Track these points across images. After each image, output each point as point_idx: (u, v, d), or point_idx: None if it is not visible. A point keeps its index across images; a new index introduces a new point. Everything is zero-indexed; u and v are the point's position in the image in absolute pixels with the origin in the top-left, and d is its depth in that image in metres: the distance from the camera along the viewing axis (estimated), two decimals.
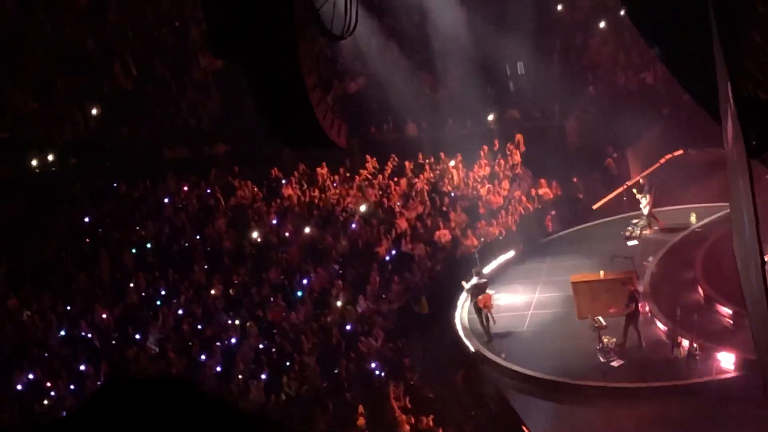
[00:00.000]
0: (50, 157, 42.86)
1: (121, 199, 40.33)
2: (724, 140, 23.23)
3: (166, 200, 39.65)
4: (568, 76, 39.72)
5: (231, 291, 34.39)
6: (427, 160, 38.61)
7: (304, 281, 34.23)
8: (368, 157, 38.63)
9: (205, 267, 35.86)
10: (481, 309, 31.47)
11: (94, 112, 43.74)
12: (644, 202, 34.66)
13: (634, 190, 34.97)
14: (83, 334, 33.78)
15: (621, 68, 39.67)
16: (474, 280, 31.84)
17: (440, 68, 40.95)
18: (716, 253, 31.21)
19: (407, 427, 27.86)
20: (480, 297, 31.50)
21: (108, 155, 42.67)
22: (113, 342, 33.19)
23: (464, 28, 39.86)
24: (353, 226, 36.30)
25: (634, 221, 35.01)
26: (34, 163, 42.88)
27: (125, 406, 1.53)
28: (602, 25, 40.42)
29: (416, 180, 37.88)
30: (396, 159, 38.89)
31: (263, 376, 30.21)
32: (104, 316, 34.26)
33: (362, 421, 28.01)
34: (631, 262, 31.85)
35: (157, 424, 1.48)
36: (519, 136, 38.55)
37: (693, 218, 34.48)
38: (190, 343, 32.14)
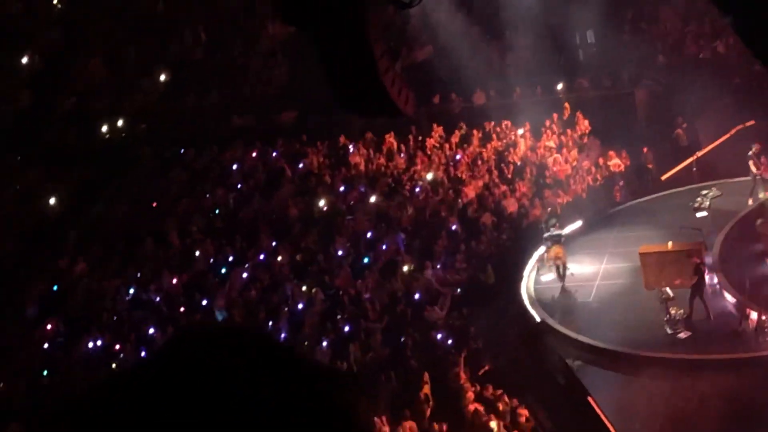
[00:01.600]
0: (120, 124, 43.04)
1: (189, 165, 40.47)
2: None
3: (233, 167, 39.74)
4: (638, 46, 39.47)
5: (298, 257, 34.42)
6: (494, 129, 38.44)
7: (371, 249, 34.20)
8: (435, 125, 38.56)
9: (272, 234, 35.92)
10: (554, 259, 31.84)
11: (162, 78, 43.87)
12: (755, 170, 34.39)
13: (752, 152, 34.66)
14: (151, 299, 33.94)
15: (692, 37, 39.37)
16: (552, 231, 32.21)
17: (509, 36, 40.87)
18: None
19: (471, 395, 27.84)
20: (553, 247, 31.87)
21: (176, 122, 42.76)
22: (180, 308, 33.32)
23: None
24: (419, 194, 36.23)
25: (704, 192, 34.68)
26: (104, 129, 43.05)
27: (199, 350, 1.48)
28: None
29: (483, 149, 37.77)
30: (464, 127, 38.78)
31: (325, 344, 30.22)
32: (173, 281, 34.40)
33: (427, 389, 28.00)
34: (700, 233, 31.70)
35: (233, 368, 1.44)
36: (566, 105, 38.34)
37: (762, 194, 34.14)
38: (257, 309, 32.22)
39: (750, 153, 34.22)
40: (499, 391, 28.22)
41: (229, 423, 1.40)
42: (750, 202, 33.97)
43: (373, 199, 36.45)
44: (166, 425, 1.42)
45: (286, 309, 32.11)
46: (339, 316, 31.60)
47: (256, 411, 1.44)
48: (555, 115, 38.44)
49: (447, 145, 38.24)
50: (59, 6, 47.55)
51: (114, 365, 31.23)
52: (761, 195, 33.92)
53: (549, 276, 32.65)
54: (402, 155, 38.27)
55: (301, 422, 1.43)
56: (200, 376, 1.47)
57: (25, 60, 45.68)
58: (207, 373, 1.47)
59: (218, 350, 1.51)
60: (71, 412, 1.50)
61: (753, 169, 34.02)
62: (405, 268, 32.96)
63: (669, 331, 28.94)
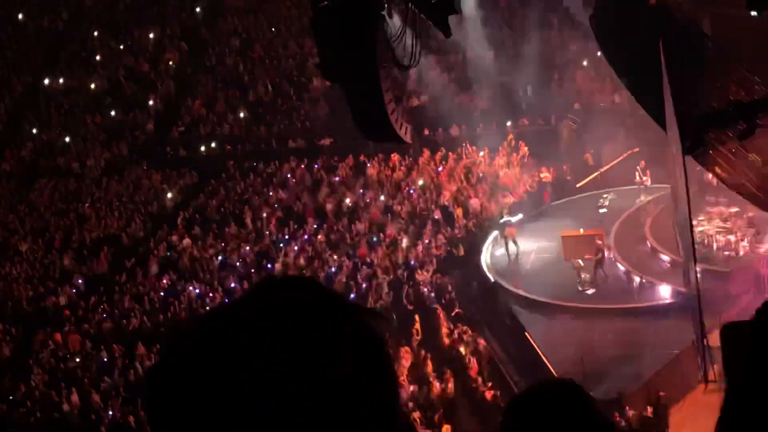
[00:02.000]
0: (213, 145, 43.12)
1: (260, 173, 40.53)
2: (668, 141, 23.02)
3: (288, 175, 39.81)
4: (561, 96, 39.61)
5: (332, 237, 34.48)
6: (464, 152, 38.48)
7: (381, 231, 34.29)
8: (425, 149, 38.55)
9: (315, 220, 36.04)
10: (507, 237, 32.22)
11: (242, 115, 43.94)
12: (648, 181, 34.62)
13: (639, 172, 34.85)
14: (233, 263, 33.99)
15: (598, 91, 39.36)
16: (505, 218, 32.83)
17: (475, 89, 40.88)
18: (660, 219, 31.05)
19: (446, 330, 27.99)
20: (507, 229, 32.32)
21: (252, 144, 42.87)
22: (253, 270, 33.35)
23: (492, 63, 39.98)
24: (413, 194, 36.34)
25: (605, 195, 34.97)
26: (202, 148, 43.17)
27: (276, 290, 1.50)
28: (584, 65, 40.10)
29: (456, 165, 37.84)
30: (443, 150, 38.85)
31: (352, 295, 30.22)
32: (248, 251, 34.47)
33: (417, 326, 28.14)
34: (601, 223, 32.11)
35: (299, 304, 1.45)
36: (510, 136, 38.60)
37: (642, 197, 34.30)
38: (303, 272, 32.24)
39: (637, 168, 34.36)
40: (465, 328, 28.29)
41: (298, 345, 1.38)
42: (636, 203, 34.12)
43: (382, 197, 36.54)
44: (253, 346, 1.40)
45: (323, 272, 32.17)
46: (359, 276, 31.64)
47: (318, 336, 1.42)
48: (505, 143, 38.48)
49: (432, 162, 38.23)
50: (173, 65, 47.67)
51: (207, 308, 31.30)
52: (642, 198, 34.03)
53: (500, 250, 32.77)
54: (402, 168, 38.26)
55: (349, 345, 1.41)
56: (277, 308, 1.48)
57: (151, 102, 45.85)
58: (281, 307, 1.48)
59: (289, 290, 1.53)
60: (187, 339, 1.48)
61: (638, 179, 34.23)
62: (404, 243, 33.01)
63: (580, 288, 29.22)
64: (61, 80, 48.37)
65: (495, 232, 33.49)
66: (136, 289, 33.12)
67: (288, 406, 1.39)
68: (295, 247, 34.29)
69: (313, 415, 1.40)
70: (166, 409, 1.44)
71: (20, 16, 52.55)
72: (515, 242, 32.25)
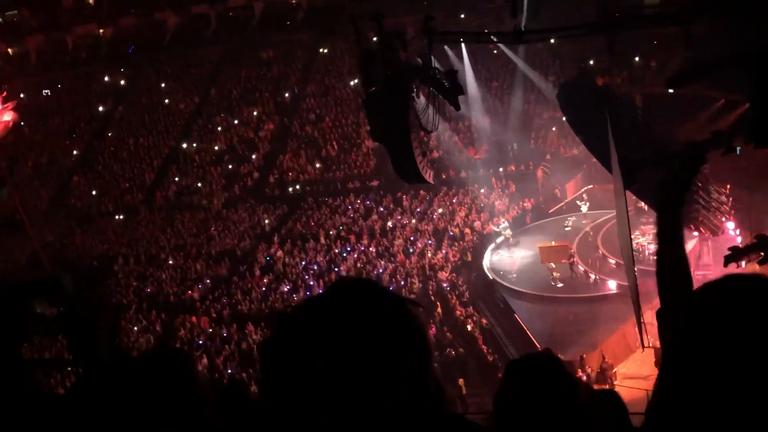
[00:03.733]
0: (297, 187, 43.22)
1: (329, 205, 40.54)
2: (613, 180, 22.83)
3: (349, 206, 39.82)
4: (537, 150, 39.44)
5: (379, 248, 34.39)
6: (470, 189, 38.29)
7: (413, 244, 34.14)
8: (442, 187, 38.40)
9: (368, 238, 35.98)
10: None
11: (317, 165, 44.05)
12: (584, 209, 34.31)
13: (578, 203, 34.58)
14: (312, 267, 33.99)
15: (562, 145, 39.08)
16: (506, 231, 33.46)
17: (477, 145, 40.78)
18: (609, 234, 30.72)
19: (459, 312, 27.78)
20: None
21: (324, 186, 42.92)
22: (325, 272, 33.36)
23: (488, 127, 39.99)
24: (435, 218, 36.19)
25: (569, 218, 34.59)
26: (290, 189, 43.27)
27: (350, 290, 1.52)
28: (554, 129, 39.85)
29: (465, 197, 37.65)
30: (454, 188, 38.64)
31: (392, 287, 30.12)
32: (321, 260, 34.44)
33: (439, 309, 27.97)
34: (566, 236, 31.79)
35: (370, 300, 1.48)
36: (494, 180, 38.46)
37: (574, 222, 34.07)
38: (360, 273, 32.24)
39: (581, 198, 34.30)
40: (471, 309, 28.12)
41: (364, 326, 1.43)
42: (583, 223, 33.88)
43: (413, 221, 36.38)
44: (333, 326, 1.44)
45: (373, 274, 32.10)
46: (398, 276, 31.52)
47: (377, 319, 1.46)
48: (497, 183, 38.25)
49: (447, 197, 38.05)
50: (269, 132, 47.93)
51: (294, 298, 31.33)
52: (584, 220, 33.89)
53: (496, 257, 32.52)
54: (427, 200, 38.12)
55: (398, 323, 1.45)
56: (349, 301, 1.50)
57: (254, 157, 46.15)
58: (352, 299, 1.51)
59: (355, 288, 1.55)
60: (285, 320, 1.53)
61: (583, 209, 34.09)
62: (429, 253, 32.86)
63: (552, 283, 28.78)
64: (194, 144, 48.93)
65: (491, 245, 33.32)
66: (246, 286, 33.29)
67: (361, 366, 1.42)
68: (354, 256, 34.27)
69: (378, 373, 1.43)
70: (272, 372, 1.49)
71: (166, 100, 53.30)
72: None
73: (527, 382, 2.33)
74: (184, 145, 48.96)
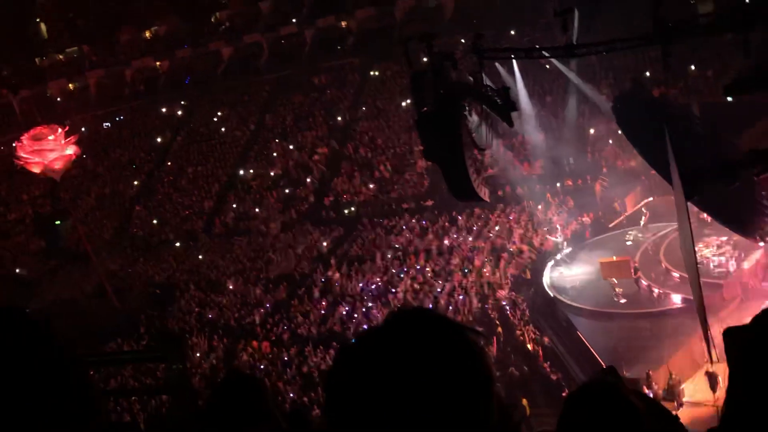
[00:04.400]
0: (352, 209, 43.37)
1: (384, 227, 40.50)
2: (674, 192, 22.40)
3: (404, 227, 39.78)
4: (594, 163, 38.92)
5: (436, 268, 34.23)
6: (527, 205, 37.89)
7: (470, 263, 33.90)
8: (499, 204, 38.10)
9: (424, 259, 35.91)
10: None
11: (371, 186, 44.20)
12: (643, 220, 33.71)
13: (642, 213, 34.23)
14: (370, 288, 34.02)
15: (619, 158, 38.50)
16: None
17: (532, 160, 40.40)
18: (672, 247, 30.05)
19: (519, 332, 27.46)
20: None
21: (378, 207, 43.00)
22: (382, 292, 33.35)
23: (543, 142, 39.61)
24: (494, 235, 35.87)
25: (630, 232, 33.92)
26: (345, 211, 43.48)
27: (405, 322, 1.57)
28: (610, 141, 39.28)
29: (522, 214, 37.27)
30: (510, 205, 38.30)
31: (450, 308, 29.98)
32: (378, 280, 34.46)
33: (500, 329, 27.66)
34: (629, 252, 31.20)
35: (420, 333, 1.53)
36: (548, 195, 37.91)
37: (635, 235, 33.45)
38: (417, 293, 32.14)
39: (642, 213, 33.78)
40: (531, 327, 27.78)
41: (424, 359, 1.47)
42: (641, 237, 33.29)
43: (470, 239, 36.13)
44: (393, 360, 1.49)
45: (431, 294, 31.99)
46: (454, 294, 31.33)
47: (437, 352, 1.49)
48: (555, 199, 37.80)
49: (503, 214, 37.72)
50: (324, 156, 48.37)
51: (353, 320, 31.32)
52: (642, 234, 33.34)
53: (556, 273, 32.11)
54: (483, 218, 37.82)
55: (459, 355, 1.49)
56: (408, 334, 1.54)
57: (309, 181, 46.61)
58: (411, 332, 1.54)
59: (414, 319, 1.58)
60: (347, 353, 1.59)
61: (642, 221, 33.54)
62: (486, 272, 32.60)
63: (615, 299, 28.24)
64: (251, 170, 49.67)
65: (551, 262, 32.95)
66: (305, 309, 33.50)
67: (423, 398, 1.46)
68: (411, 276, 34.19)
69: (438, 410, 1.46)
70: (336, 399, 1.54)
71: (222, 129, 54.31)
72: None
73: (587, 421, 2.32)
74: (241, 172, 49.75)
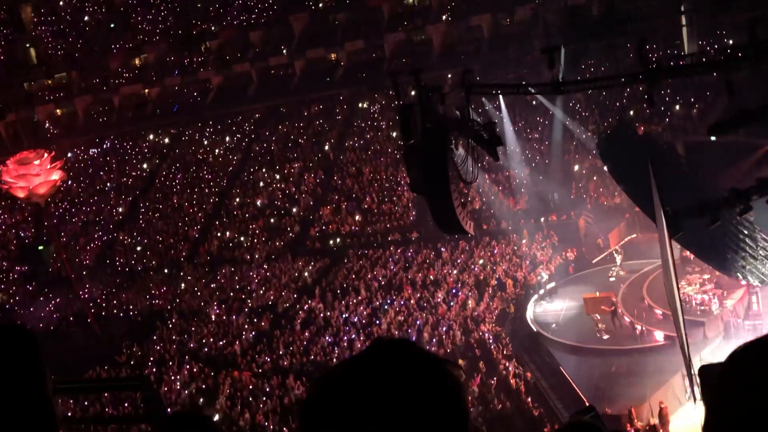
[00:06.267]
0: (338, 240, 43.23)
1: (370, 258, 40.36)
2: (657, 229, 22.52)
3: (389, 258, 39.69)
4: (578, 199, 39.12)
5: (421, 300, 34.08)
6: (511, 239, 38.00)
7: (454, 296, 33.83)
8: (485, 237, 38.18)
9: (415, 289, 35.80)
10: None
11: (357, 218, 44.20)
12: (618, 259, 33.75)
13: (615, 253, 34.20)
14: (354, 320, 33.77)
15: (602, 194, 38.77)
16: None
17: (517, 196, 40.62)
18: (655, 283, 30.14)
19: (501, 366, 27.32)
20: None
21: (363, 238, 42.97)
22: (366, 325, 33.13)
23: (528, 177, 39.81)
24: (476, 269, 35.87)
25: (612, 268, 34.01)
26: (330, 242, 43.26)
27: (386, 354, 1.57)
28: (594, 178, 39.61)
29: (506, 248, 37.34)
30: (495, 239, 38.37)
31: (434, 340, 29.83)
32: (360, 311, 34.27)
33: (481, 364, 27.52)
34: (611, 287, 31.25)
35: (399, 363, 1.52)
36: (525, 232, 37.94)
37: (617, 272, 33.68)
38: (401, 325, 31.97)
39: (615, 251, 34.03)
40: (515, 362, 27.67)
41: (400, 392, 1.46)
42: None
43: (454, 272, 36.11)
44: (368, 392, 1.47)
45: (414, 326, 31.82)
46: (440, 327, 31.20)
47: (414, 384, 1.48)
48: (538, 235, 37.93)
49: (488, 248, 37.77)
50: (310, 186, 48.31)
51: (336, 351, 31.06)
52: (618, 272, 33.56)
53: (539, 308, 32.12)
54: (467, 251, 37.87)
55: (436, 388, 1.49)
56: (385, 366, 1.53)
57: (295, 211, 46.49)
58: (388, 364, 1.53)
59: (392, 350, 1.56)
60: (322, 383, 1.57)
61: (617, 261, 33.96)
62: (470, 305, 32.53)
63: (598, 335, 28.23)
64: (236, 199, 49.57)
65: (535, 296, 32.96)
66: (287, 340, 33.23)
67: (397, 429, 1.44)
68: (395, 308, 34.05)
69: None
70: (308, 429, 1.50)
71: (209, 157, 54.27)
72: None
73: None
74: (227, 201, 49.64)
